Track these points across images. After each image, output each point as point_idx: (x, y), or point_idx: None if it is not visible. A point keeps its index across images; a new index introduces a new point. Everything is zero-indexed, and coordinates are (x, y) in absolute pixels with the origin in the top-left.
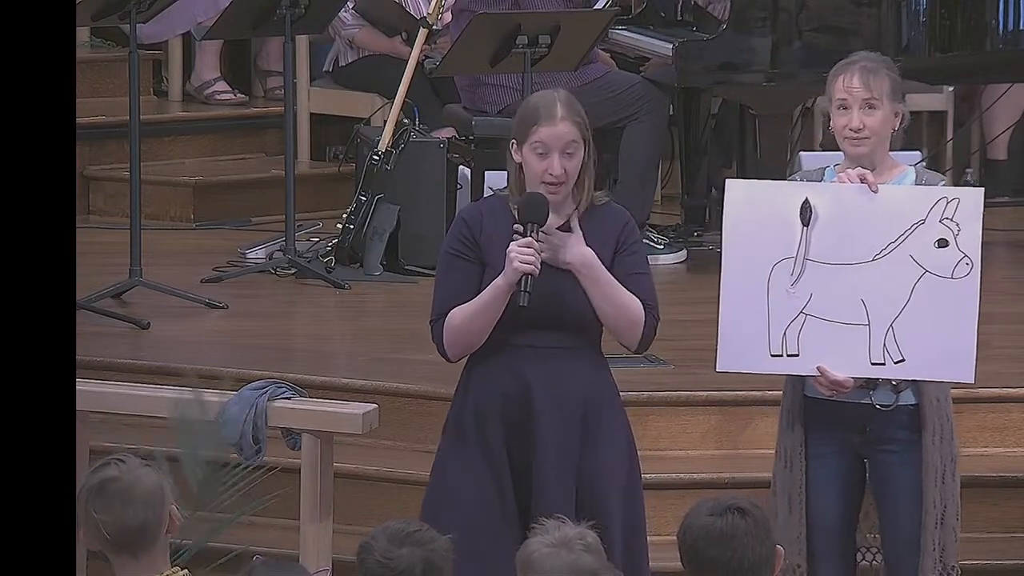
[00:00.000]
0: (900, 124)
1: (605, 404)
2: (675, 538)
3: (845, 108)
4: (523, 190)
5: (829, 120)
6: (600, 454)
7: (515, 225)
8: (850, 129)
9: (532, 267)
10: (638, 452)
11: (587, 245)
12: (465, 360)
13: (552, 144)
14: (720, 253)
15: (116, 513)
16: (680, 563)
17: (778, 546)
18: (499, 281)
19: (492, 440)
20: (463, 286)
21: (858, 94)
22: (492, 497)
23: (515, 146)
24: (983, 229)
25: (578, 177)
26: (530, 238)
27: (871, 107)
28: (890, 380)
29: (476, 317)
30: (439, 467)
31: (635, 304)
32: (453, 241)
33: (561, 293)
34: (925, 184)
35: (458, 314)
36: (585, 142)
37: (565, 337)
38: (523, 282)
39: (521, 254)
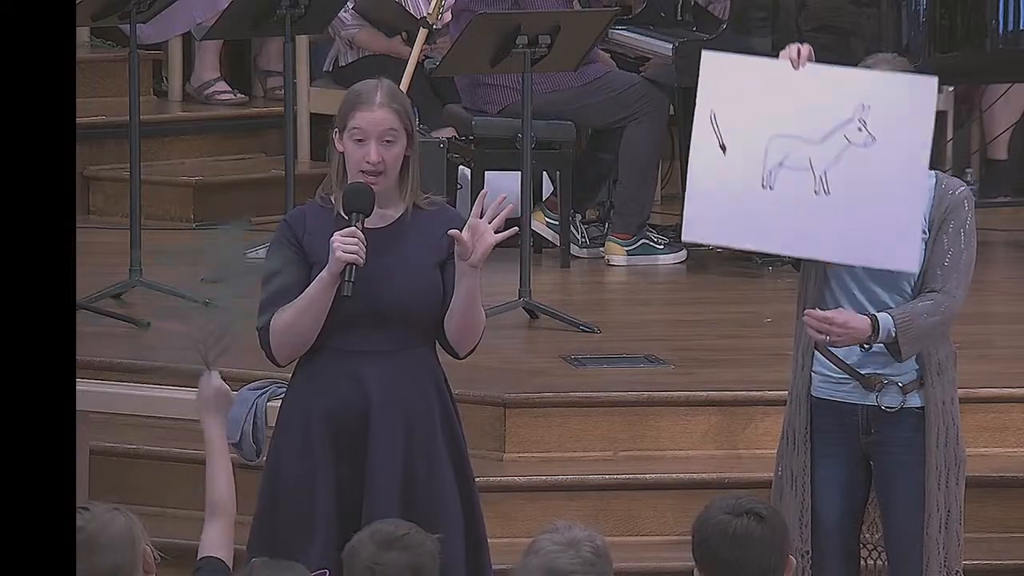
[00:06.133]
0: None
1: (438, 406)
2: (675, 538)
3: None
4: (344, 181)
5: None
6: (436, 461)
7: (351, 215)
8: None
9: (355, 256)
10: (635, 452)
11: (416, 245)
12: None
13: (369, 130)
14: (718, 251)
15: (84, 562)
16: (677, 563)
17: (791, 557)
18: (323, 274)
19: (321, 446)
20: (288, 290)
21: None
22: (318, 507)
23: (337, 135)
24: (982, 228)
25: (401, 170)
26: (354, 227)
27: None
28: (897, 383)
29: (302, 314)
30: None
31: (482, 317)
32: (275, 244)
33: (398, 292)
34: (944, 188)
35: (283, 315)
36: (408, 134)
37: (397, 337)
38: (347, 272)
39: (344, 244)
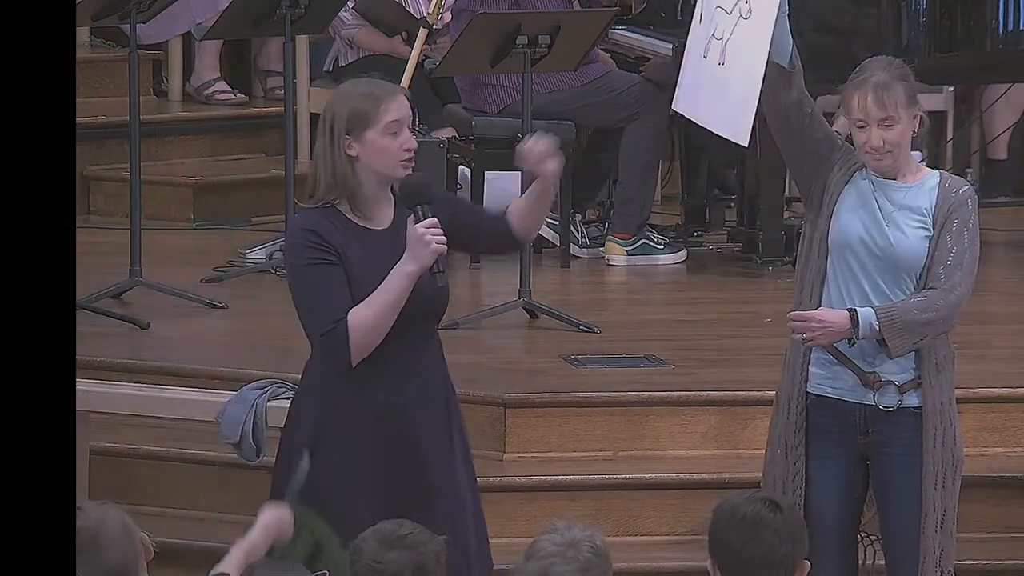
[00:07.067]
0: (919, 127)
1: (451, 395)
2: (675, 538)
3: (862, 125)
4: (356, 186)
5: (830, 119)
6: (450, 453)
7: (417, 208)
8: (870, 147)
9: (445, 246)
10: (635, 452)
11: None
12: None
13: (403, 119)
14: (718, 251)
15: (91, 562)
16: (677, 563)
17: (805, 561)
18: (409, 268)
19: (372, 449)
20: (343, 289)
21: (874, 114)
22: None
23: (349, 141)
24: (982, 228)
25: None
26: (434, 218)
27: (888, 124)
28: (894, 382)
29: (389, 310)
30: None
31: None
32: (306, 251)
33: (417, 287)
34: (948, 187)
35: (365, 314)
36: None
37: (423, 332)
38: (438, 263)
39: (436, 236)
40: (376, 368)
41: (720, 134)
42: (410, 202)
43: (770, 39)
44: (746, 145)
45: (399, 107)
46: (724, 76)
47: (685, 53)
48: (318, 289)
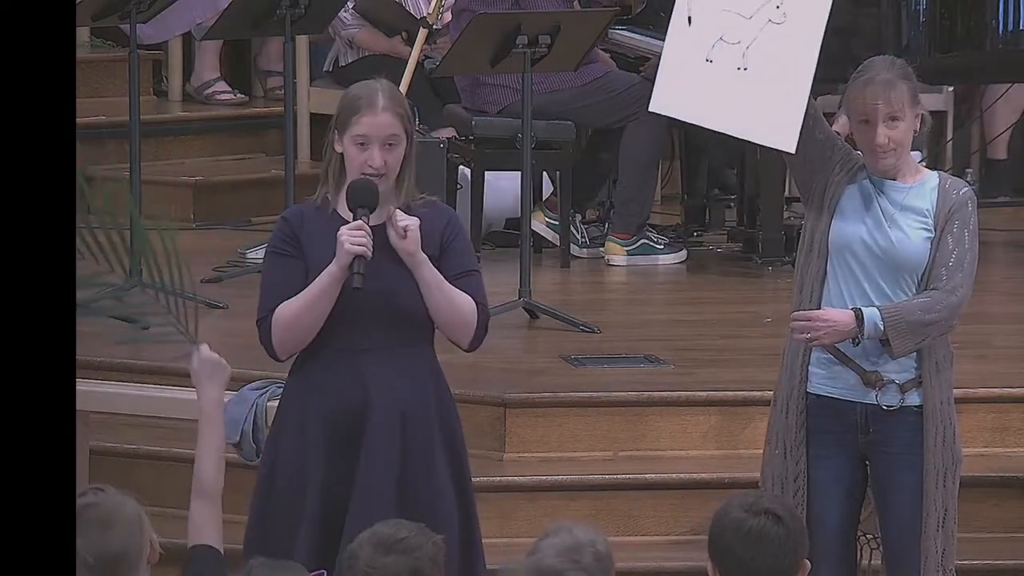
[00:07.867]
0: (921, 127)
1: (435, 403)
2: (675, 538)
3: (867, 123)
4: (341, 180)
5: (830, 119)
6: (431, 459)
7: (357, 210)
8: (875, 144)
9: (364, 248)
10: (635, 452)
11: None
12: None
13: (372, 136)
14: (718, 250)
15: (95, 539)
16: (677, 563)
17: (806, 560)
18: (331, 267)
19: (315, 445)
20: (289, 283)
21: (880, 110)
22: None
23: (336, 135)
24: (982, 228)
25: (400, 171)
26: (360, 221)
27: (893, 120)
28: (895, 381)
29: (309, 309)
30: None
31: (467, 301)
32: (275, 240)
33: (396, 289)
34: (948, 188)
35: (287, 308)
36: (407, 135)
37: (396, 333)
38: (355, 264)
39: (351, 236)
40: (331, 372)
41: (756, 141)
42: (353, 203)
43: (819, 44)
44: (793, 152)
45: (370, 125)
46: (748, 82)
47: (667, 52)
48: (266, 277)
